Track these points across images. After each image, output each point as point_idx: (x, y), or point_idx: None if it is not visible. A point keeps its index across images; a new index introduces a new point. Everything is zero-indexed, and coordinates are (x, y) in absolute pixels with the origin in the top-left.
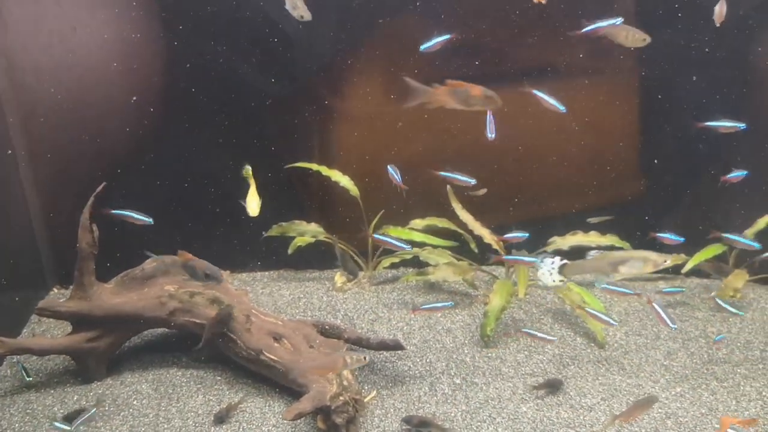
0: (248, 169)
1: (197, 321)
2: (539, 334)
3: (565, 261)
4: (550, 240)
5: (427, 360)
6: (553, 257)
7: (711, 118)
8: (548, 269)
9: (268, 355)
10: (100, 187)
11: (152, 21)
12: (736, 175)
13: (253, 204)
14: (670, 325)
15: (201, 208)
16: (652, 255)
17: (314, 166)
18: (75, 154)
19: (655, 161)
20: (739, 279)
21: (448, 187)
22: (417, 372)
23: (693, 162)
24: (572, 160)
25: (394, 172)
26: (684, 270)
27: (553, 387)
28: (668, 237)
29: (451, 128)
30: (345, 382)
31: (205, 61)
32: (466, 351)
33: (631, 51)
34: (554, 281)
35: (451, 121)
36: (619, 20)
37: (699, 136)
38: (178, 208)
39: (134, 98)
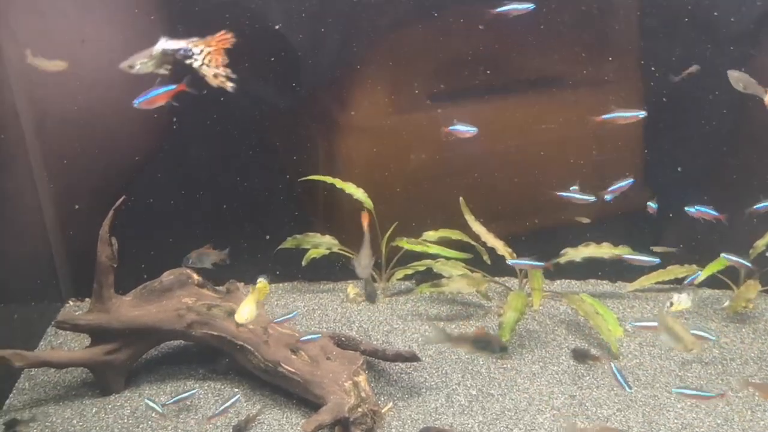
0: (262, 284)
1: (215, 333)
2: None
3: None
4: (563, 251)
5: (443, 371)
6: (680, 294)
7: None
8: (678, 299)
9: (285, 366)
10: (120, 201)
11: (159, 32)
12: (764, 206)
13: (244, 311)
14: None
15: (213, 220)
16: (689, 338)
17: (329, 179)
18: (87, 166)
19: (661, 170)
20: (751, 290)
21: (461, 198)
22: (433, 383)
23: (697, 171)
24: (581, 169)
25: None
26: (697, 281)
27: (581, 356)
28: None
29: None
30: (363, 394)
31: None
32: (481, 362)
33: (632, 61)
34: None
35: None
36: None
37: (703, 145)
38: (191, 221)
39: (145, 110)
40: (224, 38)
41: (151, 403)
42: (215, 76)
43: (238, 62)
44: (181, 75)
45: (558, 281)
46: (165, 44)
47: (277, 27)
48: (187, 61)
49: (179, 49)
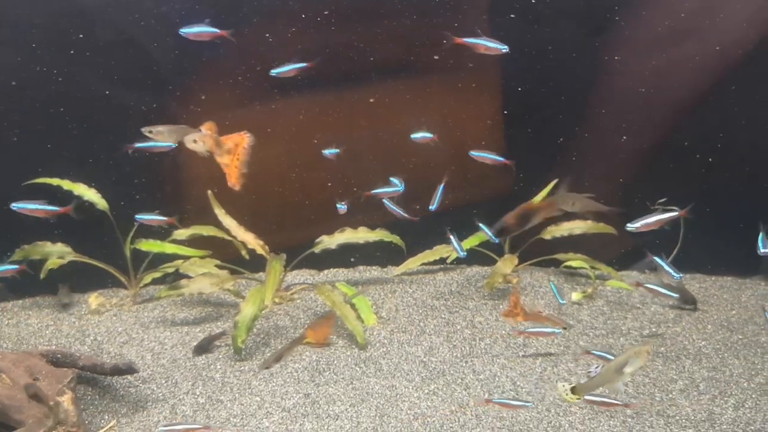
0: None
1: None
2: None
3: (574, 385)
4: (318, 239)
5: (173, 381)
6: (563, 384)
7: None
8: (563, 391)
9: None
10: None
11: None
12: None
13: None
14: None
15: None
16: (642, 347)
17: (55, 181)
18: None
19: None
20: (507, 264)
21: (209, 192)
22: (161, 394)
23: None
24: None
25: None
26: (449, 259)
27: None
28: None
29: None
30: (62, 415)
31: None
32: (218, 367)
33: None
34: (571, 399)
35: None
36: None
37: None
38: None
39: None
40: None
41: None
42: None
43: None
44: None
45: (326, 270)
46: None
47: None
48: None
49: None
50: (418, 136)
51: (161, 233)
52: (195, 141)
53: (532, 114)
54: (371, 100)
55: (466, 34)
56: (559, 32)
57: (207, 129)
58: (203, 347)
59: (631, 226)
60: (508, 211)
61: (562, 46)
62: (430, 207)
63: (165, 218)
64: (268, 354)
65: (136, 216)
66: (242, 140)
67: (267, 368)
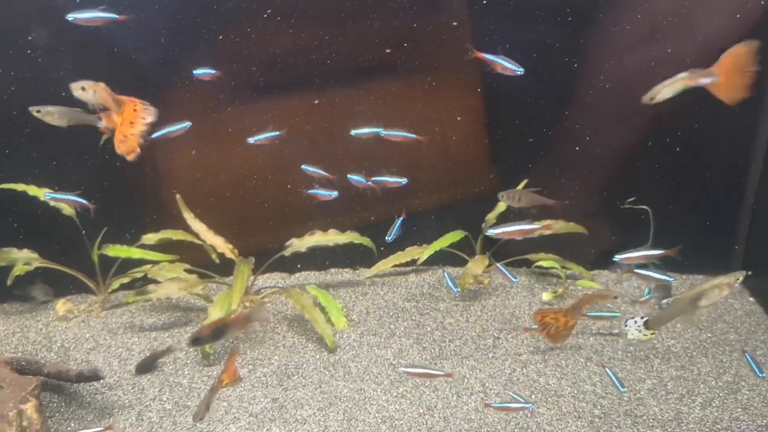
0: None
1: None
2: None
3: (646, 318)
4: (288, 243)
5: (140, 387)
6: (634, 318)
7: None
8: (635, 328)
9: None
10: None
11: None
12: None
13: None
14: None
15: None
16: (723, 279)
17: (20, 186)
18: None
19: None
20: (478, 265)
21: (178, 195)
22: (127, 401)
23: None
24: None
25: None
26: (420, 261)
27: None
28: None
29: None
30: (25, 423)
31: None
32: (186, 372)
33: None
34: (645, 335)
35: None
36: None
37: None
38: None
39: None
40: None
41: None
42: None
43: None
44: None
45: (297, 274)
46: None
47: None
48: None
49: None
50: (362, 132)
51: (129, 238)
52: (83, 89)
53: (507, 113)
54: (315, 100)
55: (442, 30)
56: (535, 31)
57: (100, 88)
58: (146, 366)
59: (492, 232)
60: (483, 211)
61: (540, 46)
62: (386, 238)
63: (84, 201)
64: (237, 358)
65: (46, 194)
66: (141, 108)
67: (201, 419)
